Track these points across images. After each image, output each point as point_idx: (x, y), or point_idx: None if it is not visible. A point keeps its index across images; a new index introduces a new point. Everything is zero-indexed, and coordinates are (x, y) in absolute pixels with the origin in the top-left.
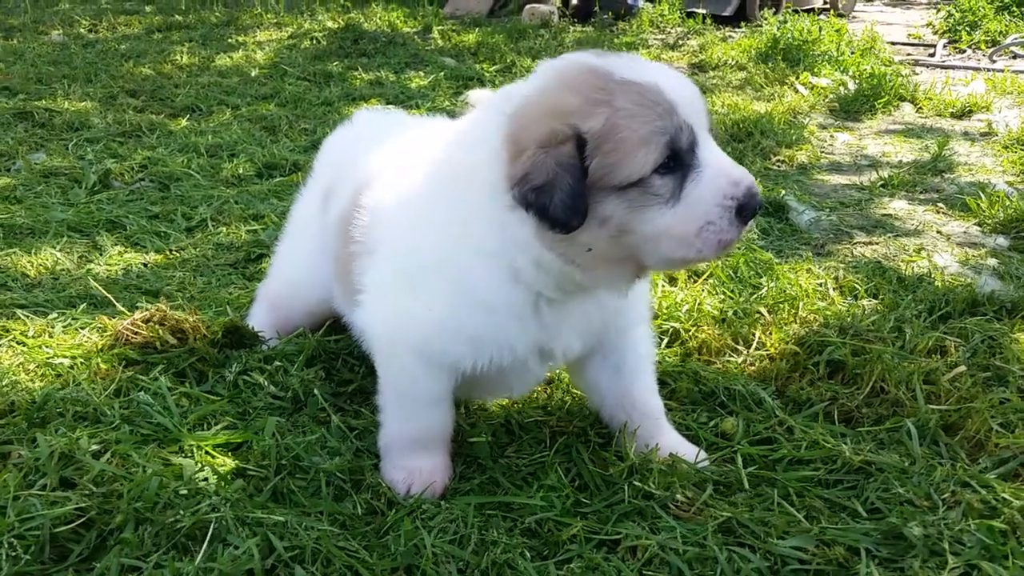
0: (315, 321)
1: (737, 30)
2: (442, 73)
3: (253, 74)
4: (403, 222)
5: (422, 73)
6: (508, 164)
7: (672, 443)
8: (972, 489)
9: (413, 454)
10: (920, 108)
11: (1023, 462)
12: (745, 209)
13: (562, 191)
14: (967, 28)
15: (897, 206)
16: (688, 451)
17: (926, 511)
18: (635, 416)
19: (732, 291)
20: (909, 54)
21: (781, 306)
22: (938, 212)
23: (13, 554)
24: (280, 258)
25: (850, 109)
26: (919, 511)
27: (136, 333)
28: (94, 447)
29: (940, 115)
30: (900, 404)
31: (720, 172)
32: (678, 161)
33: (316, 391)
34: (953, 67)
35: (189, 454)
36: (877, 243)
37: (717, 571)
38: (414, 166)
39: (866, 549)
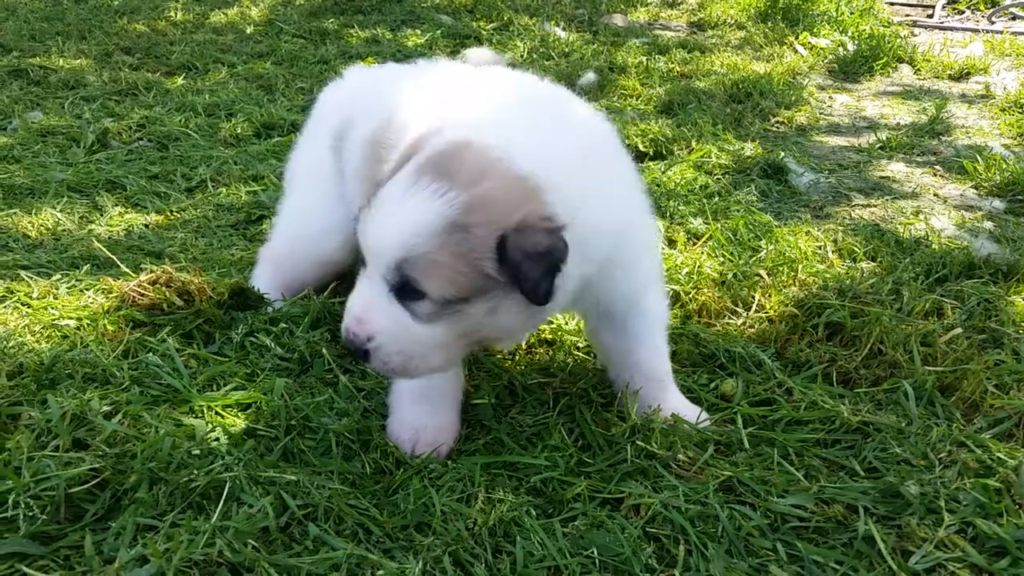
0: (323, 277)
1: None
2: (439, 31)
3: (248, 31)
4: None
5: (419, 31)
6: None
7: (675, 405)
8: (968, 449)
9: (420, 409)
10: (918, 70)
11: (1017, 422)
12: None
13: None
14: None
15: (895, 168)
16: (690, 412)
17: (923, 470)
18: (638, 378)
19: (732, 254)
20: (908, 15)
21: (780, 269)
22: (935, 175)
23: (30, 514)
24: (285, 216)
25: (849, 70)
26: (916, 470)
27: (143, 295)
28: (105, 408)
29: (938, 77)
30: (897, 366)
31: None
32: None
33: (324, 351)
34: (952, 28)
35: (200, 415)
36: (875, 205)
37: (719, 528)
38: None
39: (864, 507)
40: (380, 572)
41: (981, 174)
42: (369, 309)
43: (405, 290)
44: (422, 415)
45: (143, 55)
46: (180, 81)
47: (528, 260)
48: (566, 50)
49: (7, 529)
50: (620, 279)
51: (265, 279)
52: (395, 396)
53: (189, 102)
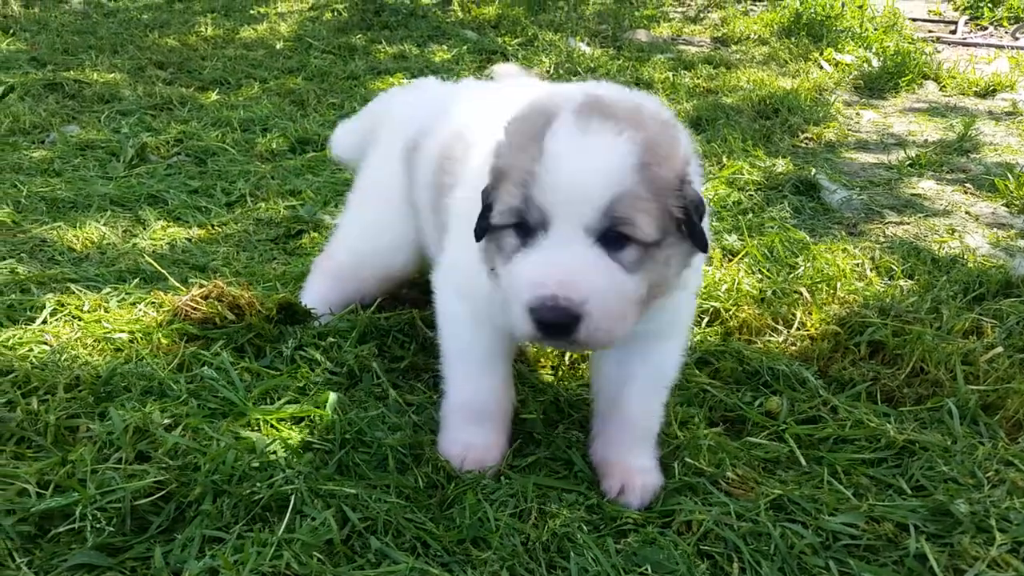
0: (386, 291)
1: (759, 3)
2: (465, 47)
3: (278, 47)
4: None
5: (445, 47)
6: None
7: (632, 468)
8: (1015, 468)
9: (469, 427)
10: (944, 87)
11: None
12: (534, 315)
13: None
14: (989, 4)
15: (925, 186)
16: (646, 483)
17: (971, 489)
18: (615, 420)
19: (769, 270)
20: (930, 31)
21: (819, 286)
22: (966, 192)
23: (97, 525)
24: (349, 228)
25: (874, 86)
26: (964, 488)
27: (195, 309)
28: (166, 421)
29: (964, 94)
30: (940, 384)
31: (534, 267)
32: (526, 232)
33: (374, 365)
34: (975, 44)
35: (256, 428)
36: (908, 223)
37: (771, 546)
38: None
39: (914, 525)
40: None
41: (1012, 192)
42: (579, 268)
43: (610, 238)
44: (472, 434)
45: (176, 70)
46: (214, 96)
47: (697, 205)
48: (591, 65)
49: (74, 540)
50: (659, 306)
51: (320, 292)
52: (446, 413)
53: (224, 117)
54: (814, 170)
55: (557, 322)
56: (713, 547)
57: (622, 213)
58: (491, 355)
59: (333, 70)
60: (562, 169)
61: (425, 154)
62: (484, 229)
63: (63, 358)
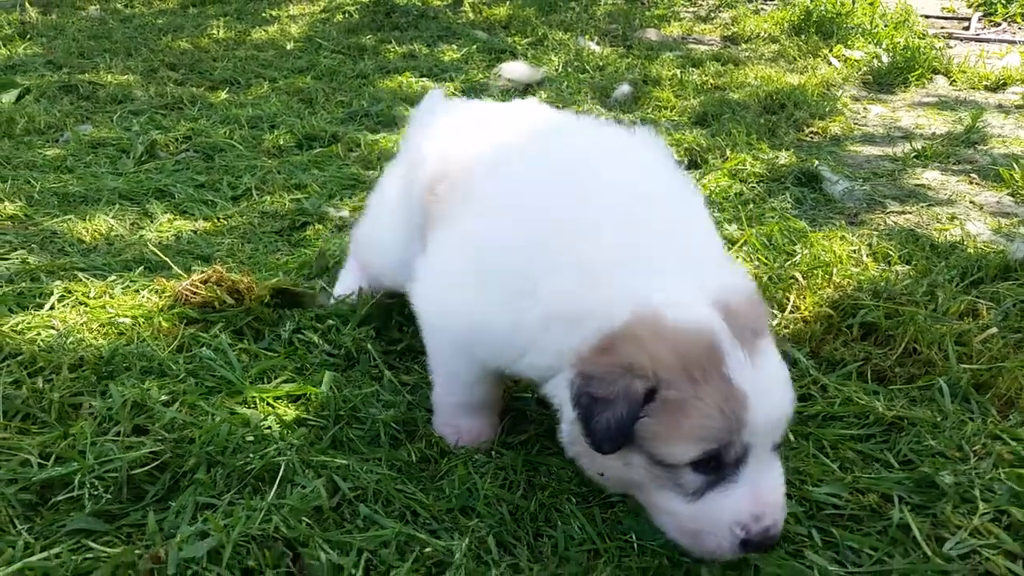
0: None
1: (769, 2)
2: (474, 46)
3: (288, 47)
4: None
5: (455, 46)
6: (594, 345)
7: None
8: (1003, 441)
9: (461, 416)
10: (954, 81)
11: None
12: (750, 545)
13: (613, 418)
14: (1003, 0)
15: (930, 176)
16: None
17: (957, 461)
18: None
19: (767, 258)
20: (943, 27)
21: (815, 272)
22: (971, 183)
23: (95, 493)
24: (367, 230)
25: (883, 82)
26: (950, 461)
27: (195, 293)
28: (163, 397)
29: (974, 88)
30: (932, 364)
31: (749, 501)
32: (717, 467)
33: (370, 347)
34: (988, 40)
35: (252, 405)
36: (910, 212)
37: None
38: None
39: (899, 496)
40: (428, 549)
41: (1018, 182)
42: (782, 490)
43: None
44: (463, 417)
45: (187, 71)
46: (223, 95)
47: None
48: (600, 64)
49: (73, 508)
50: None
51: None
52: (436, 399)
53: (233, 115)
54: (816, 162)
55: (771, 545)
56: None
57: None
58: (479, 378)
59: (342, 69)
60: (765, 405)
61: (418, 181)
62: (615, 442)
63: (68, 341)
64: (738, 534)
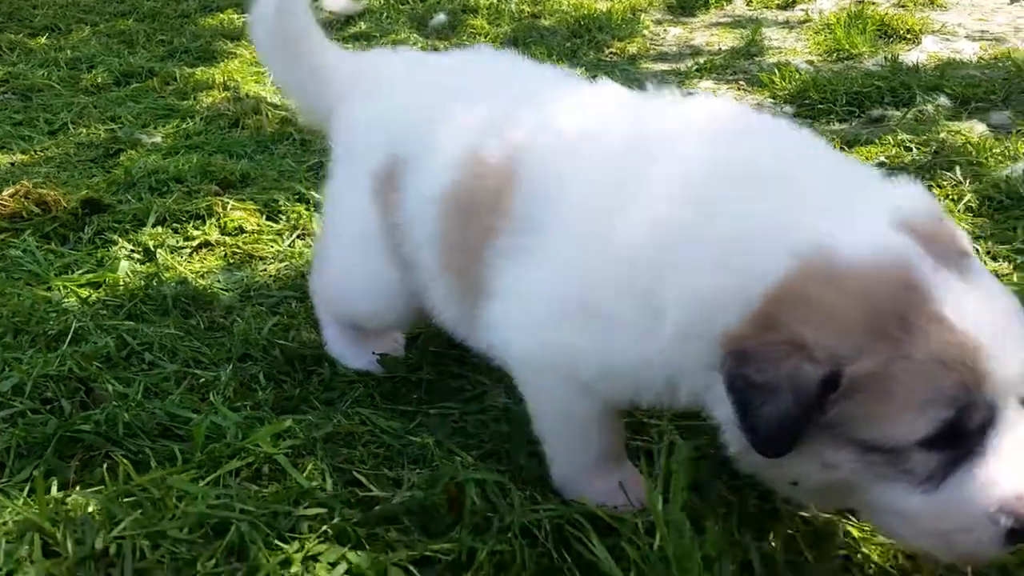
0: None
1: None
2: None
3: None
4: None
5: None
6: (748, 317)
7: None
8: None
9: (596, 482)
10: (750, 2)
11: None
12: (1019, 535)
13: (776, 412)
14: None
15: (704, 85)
16: None
17: None
18: None
19: None
20: None
21: None
22: (739, 89)
23: None
24: (327, 267)
25: (686, 5)
26: None
27: (4, 206)
28: None
29: (767, 7)
30: None
31: (1010, 476)
32: (956, 440)
33: (169, 242)
34: None
35: (57, 291)
36: None
37: None
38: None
39: None
40: (202, 380)
41: (777, 84)
42: None
43: None
44: (615, 474)
45: (5, 19)
46: (43, 40)
47: None
48: None
49: None
50: None
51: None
52: (565, 476)
53: (52, 58)
54: (603, 75)
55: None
56: None
57: None
58: (599, 413)
59: (164, 10)
60: (1007, 345)
61: (414, 198)
62: (782, 443)
63: None
64: (1003, 524)
